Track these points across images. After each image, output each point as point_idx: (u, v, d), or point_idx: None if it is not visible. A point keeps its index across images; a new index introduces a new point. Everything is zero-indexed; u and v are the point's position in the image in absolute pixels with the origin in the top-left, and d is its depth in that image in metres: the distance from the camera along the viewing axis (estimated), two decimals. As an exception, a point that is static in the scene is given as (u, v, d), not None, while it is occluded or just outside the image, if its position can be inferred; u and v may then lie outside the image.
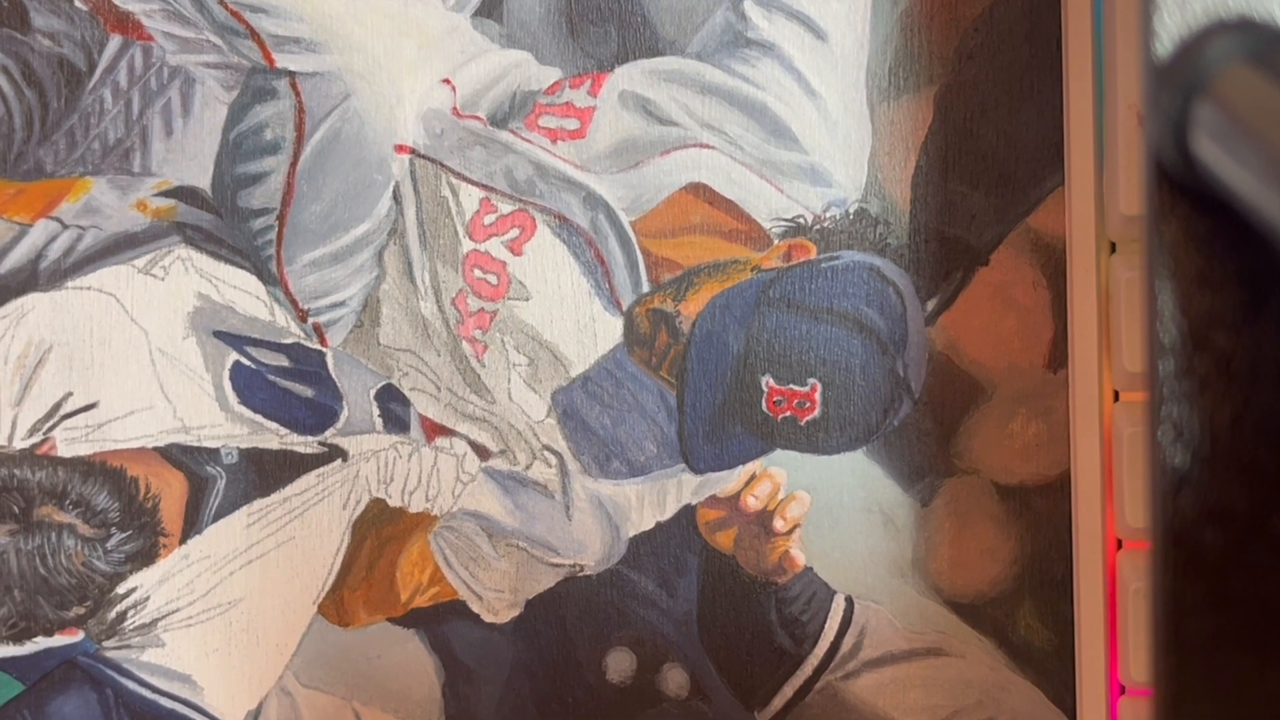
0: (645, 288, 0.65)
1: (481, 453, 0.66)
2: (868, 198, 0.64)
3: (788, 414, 0.65)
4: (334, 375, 0.66)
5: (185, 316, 0.66)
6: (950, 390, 0.65)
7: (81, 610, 0.66)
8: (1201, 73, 0.35)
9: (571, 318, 0.65)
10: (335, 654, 0.66)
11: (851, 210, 0.65)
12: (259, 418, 0.66)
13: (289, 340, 0.66)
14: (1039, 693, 0.65)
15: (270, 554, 0.66)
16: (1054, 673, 0.65)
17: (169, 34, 0.65)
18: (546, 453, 0.66)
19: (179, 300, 0.66)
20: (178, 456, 0.66)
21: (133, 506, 0.66)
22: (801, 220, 0.65)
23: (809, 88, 0.64)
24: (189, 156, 0.65)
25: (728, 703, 0.66)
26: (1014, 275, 0.64)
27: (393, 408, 0.66)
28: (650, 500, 0.66)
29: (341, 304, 0.66)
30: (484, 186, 0.65)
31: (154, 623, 0.66)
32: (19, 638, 0.66)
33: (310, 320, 0.66)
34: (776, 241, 0.65)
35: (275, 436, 0.66)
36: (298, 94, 0.65)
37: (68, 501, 0.65)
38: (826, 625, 0.66)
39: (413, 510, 0.66)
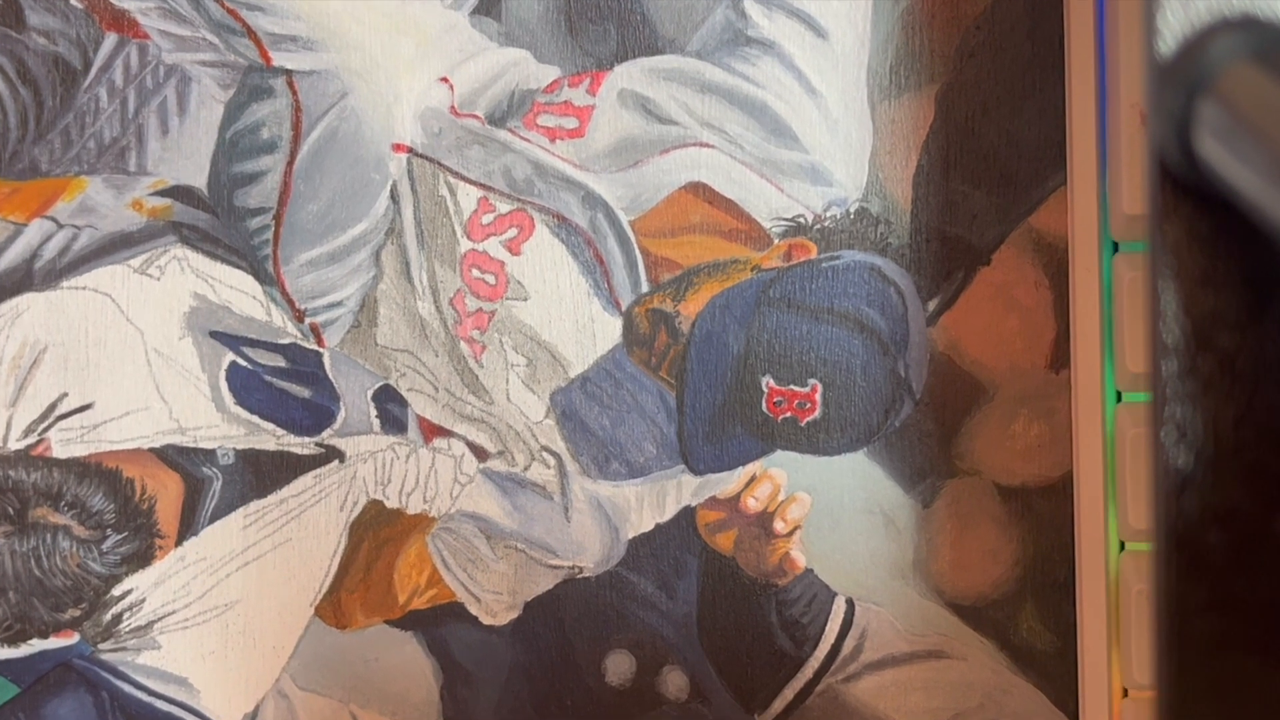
0: (644, 288, 0.65)
1: (480, 454, 0.66)
2: (869, 197, 0.65)
3: (788, 415, 0.65)
4: (331, 376, 0.66)
5: (181, 316, 0.66)
6: (952, 391, 0.65)
7: (77, 612, 0.66)
8: (1205, 71, 0.35)
9: (570, 318, 0.65)
10: (332, 656, 0.66)
11: (852, 209, 0.65)
12: (255, 418, 0.66)
13: (286, 340, 0.66)
14: (1041, 695, 0.65)
15: (267, 556, 0.66)
16: (1056, 675, 0.65)
17: (165, 32, 0.65)
18: (545, 454, 0.66)
19: (175, 300, 0.66)
20: (174, 458, 0.66)
21: (128, 508, 0.66)
22: (802, 219, 0.65)
23: (809, 86, 0.65)
24: (185, 155, 0.65)
25: (728, 705, 0.66)
26: (1016, 275, 0.64)
27: (390, 408, 0.66)
28: (650, 501, 0.66)
29: (339, 304, 0.66)
30: (482, 186, 0.65)
31: (150, 625, 0.66)
32: (14, 640, 0.66)
33: (307, 320, 0.66)
34: (777, 241, 0.65)
35: (272, 437, 0.66)
36: (294, 92, 0.65)
37: (63, 503, 0.65)
38: (827, 627, 0.66)
39: (410, 512, 0.66)
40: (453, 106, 0.65)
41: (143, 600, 0.66)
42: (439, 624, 0.66)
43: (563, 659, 0.66)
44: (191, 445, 0.66)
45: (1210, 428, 0.36)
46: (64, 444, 0.66)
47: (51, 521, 0.65)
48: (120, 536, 0.66)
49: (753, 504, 0.65)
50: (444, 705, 0.66)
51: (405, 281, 0.65)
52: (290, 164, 0.65)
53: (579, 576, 0.66)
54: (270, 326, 0.66)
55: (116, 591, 0.66)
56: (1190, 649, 0.36)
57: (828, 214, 0.65)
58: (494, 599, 0.66)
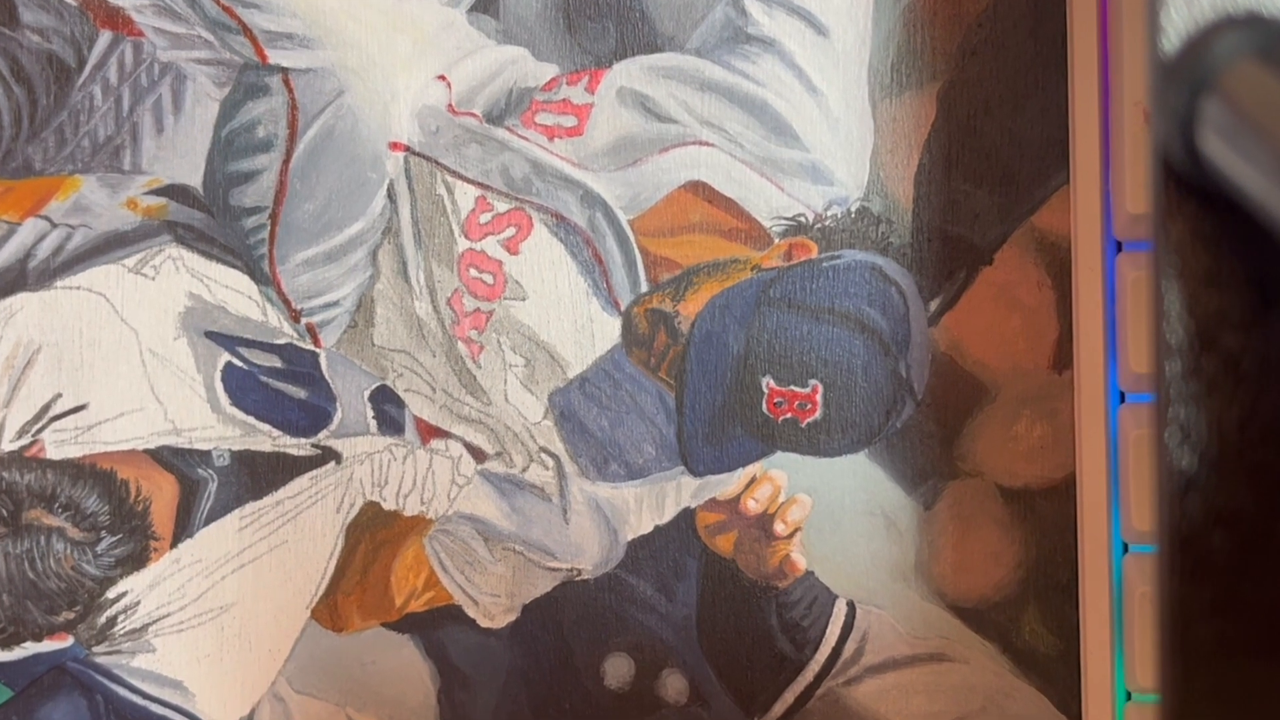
0: (644, 287, 0.65)
1: (477, 455, 0.66)
2: (870, 196, 0.64)
3: (788, 416, 0.65)
4: (327, 376, 0.66)
5: (176, 317, 0.66)
6: (953, 392, 0.65)
7: (71, 615, 0.66)
8: (1209, 69, 0.35)
9: (569, 318, 0.65)
10: (329, 659, 0.66)
11: (853, 209, 0.65)
12: (251, 419, 0.66)
13: (282, 341, 0.66)
14: (1044, 699, 0.65)
15: (263, 558, 0.66)
16: (1059, 678, 0.65)
17: (160, 29, 0.65)
18: (543, 455, 0.66)
19: (170, 300, 0.65)
20: (169, 459, 0.66)
21: (123, 510, 0.66)
22: (802, 219, 0.65)
23: (810, 84, 0.64)
24: (180, 154, 0.65)
25: (728, 709, 0.66)
26: (1018, 275, 0.64)
27: (387, 409, 0.66)
28: (649, 503, 0.66)
29: (335, 304, 0.66)
30: (480, 184, 0.65)
31: (145, 628, 0.66)
32: (7, 643, 0.66)
33: (303, 320, 0.66)
34: (777, 240, 0.65)
35: (268, 438, 0.66)
36: (291, 90, 0.65)
37: (57, 505, 0.65)
38: (828, 630, 0.66)
39: (407, 513, 0.66)
40: (450, 105, 0.65)
41: (137, 603, 0.66)
42: (436, 627, 0.66)
43: (561, 662, 0.66)
44: (187, 446, 0.66)
45: (1214, 429, 0.36)
46: (58, 445, 0.65)
47: (45, 523, 0.65)
48: (115, 539, 0.66)
49: (753, 506, 0.65)
50: (441, 709, 0.66)
51: (402, 281, 0.65)
52: (286, 163, 0.65)
53: (577, 579, 0.66)
54: (266, 327, 0.66)
55: (111, 594, 0.66)
56: (1194, 653, 0.36)
57: (828, 213, 0.65)
58: (492, 601, 0.66)
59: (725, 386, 0.65)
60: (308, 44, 0.65)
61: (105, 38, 0.65)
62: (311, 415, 0.66)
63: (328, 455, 0.66)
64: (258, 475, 0.66)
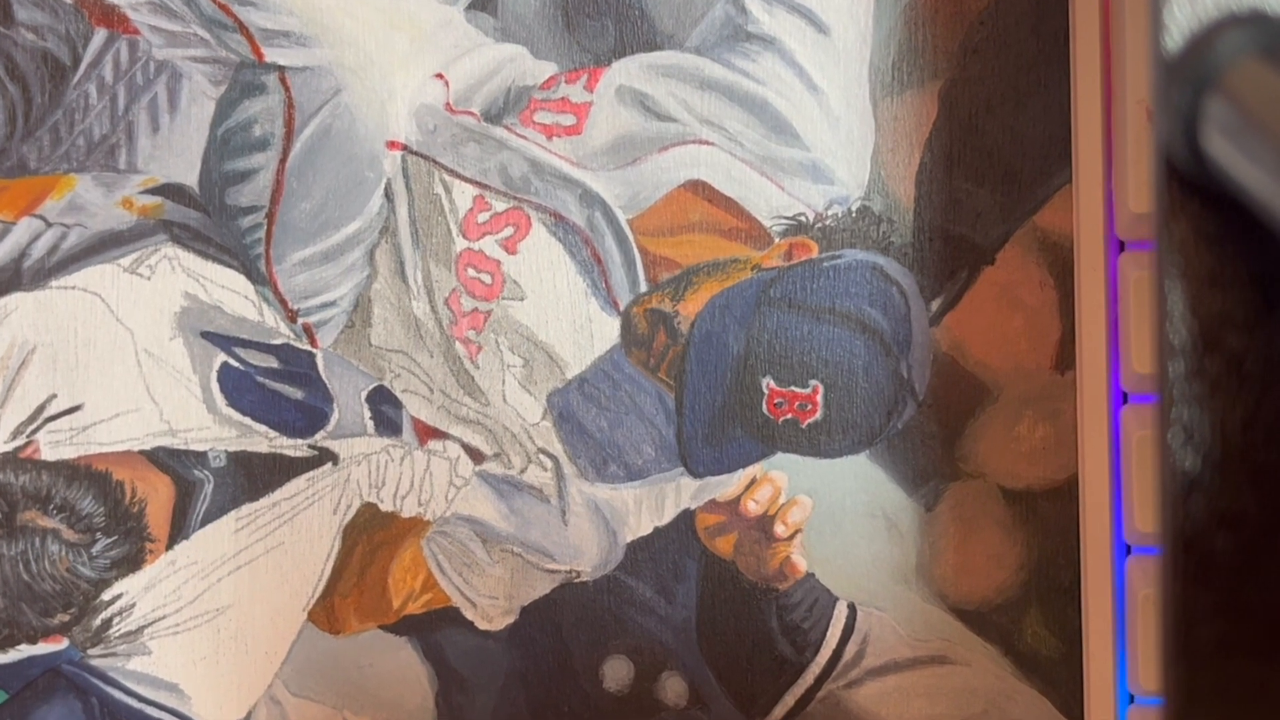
0: (643, 287, 0.65)
1: (475, 456, 0.66)
2: (871, 195, 0.64)
3: (789, 416, 0.65)
4: (324, 377, 0.66)
5: (172, 316, 0.65)
6: (955, 392, 0.65)
7: (66, 617, 0.66)
8: (1212, 67, 0.35)
9: (567, 318, 0.65)
10: (326, 662, 0.66)
11: (854, 208, 0.65)
12: (248, 420, 0.66)
13: (278, 341, 0.66)
14: (1046, 702, 0.65)
15: (259, 560, 0.66)
16: (1061, 681, 0.65)
17: (155, 27, 0.65)
18: (542, 456, 0.66)
19: (166, 300, 0.65)
20: (164, 460, 0.66)
21: (118, 511, 0.66)
22: (803, 218, 0.65)
23: (811, 83, 0.64)
24: (176, 153, 0.65)
25: (727, 712, 0.66)
26: (1020, 275, 0.64)
27: (384, 410, 0.66)
28: (648, 505, 0.66)
29: (332, 304, 0.66)
30: (478, 184, 0.65)
31: (140, 630, 0.66)
32: (2, 645, 0.66)
33: (300, 320, 0.66)
34: (777, 240, 0.65)
35: (264, 439, 0.66)
36: (287, 89, 0.65)
37: (52, 506, 0.65)
38: (829, 633, 0.66)
39: (405, 515, 0.66)
40: (448, 103, 0.65)
41: (133, 605, 0.66)
42: (434, 629, 0.66)
43: (560, 665, 0.66)
44: (182, 447, 0.66)
45: (1218, 430, 0.36)
46: (53, 446, 0.65)
47: (40, 525, 0.65)
48: (110, 540, 0.66)
49: (753, 507, 0.65)
50: (439, 712, 0.66)
51: (400, 281, 0.65)
52: (283, 162, 0.65)
53: (576, 581, 0.66)
54: (262, 327, 0.66)
55: (106, 596, 0.66)
56: (1198, 655, 0.36)
57: (829, 212, 0.65)
58: (490, 603, 0.66)
59: (725, 387, 0.65)
60: (304, 42, 0.65)
61: (100, 35, 0.65)
62: (308, 416, 0.66)
63: (325, 456, 0.66)
64: (254, 476, 0.66)
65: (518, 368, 0.65)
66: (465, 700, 0.66)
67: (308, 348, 0.66)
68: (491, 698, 0.66)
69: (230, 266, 0.65)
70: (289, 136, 0.65)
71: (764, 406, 0.65)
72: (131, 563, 0.66)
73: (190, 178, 0.65)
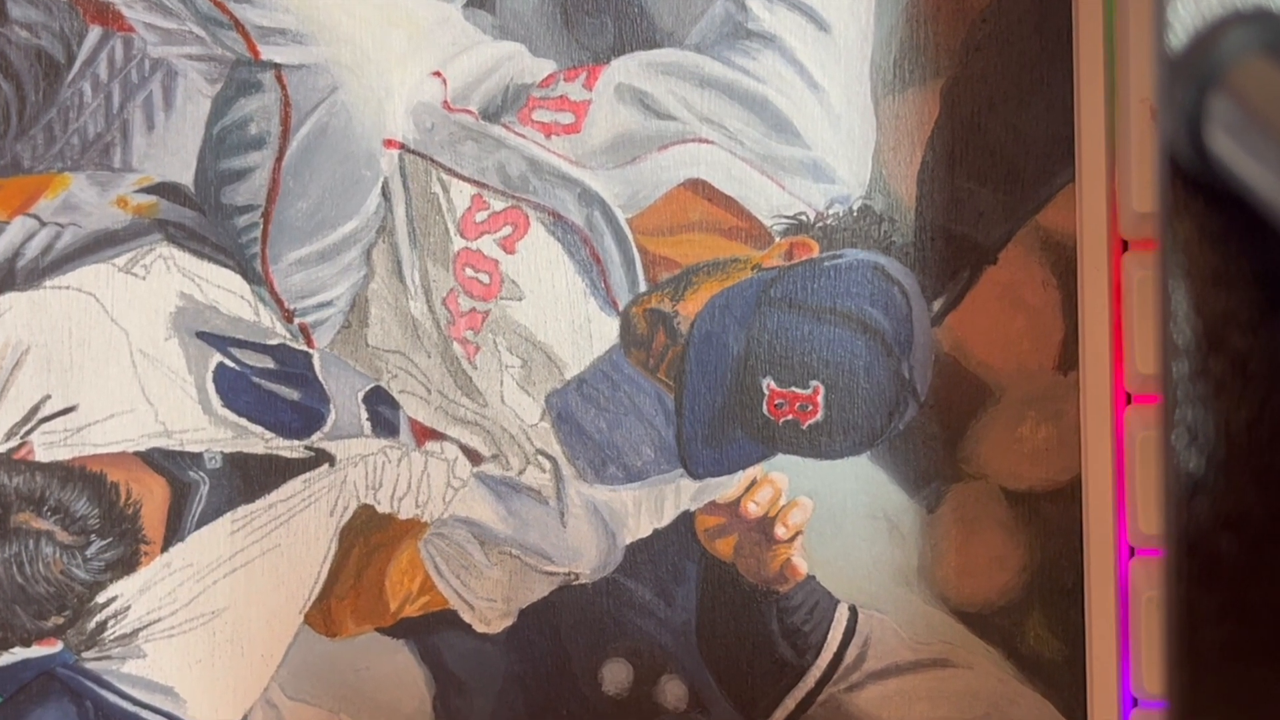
0: (642, 287, 0.65)
1: (473, 457, 0.66)
2: (872, 194, 0.64)
3: (789, 417, 0.65)
4: (321, 377, 0.66)
5: (167, 317, 0.65)
6: (957, 393, 0.65)
7: (60, 620, 0.66)
8: (1216, 65, 0.35)
9: (566, 318, 0.65)
10: (322, 665, 0.66)
11: (855, 207, 0.65)
12: (243, 421, 0.66)
13: (274, 341, 0.66)
14: (1049, 705, 0.65)
15: (255, 562, 0.66)
16: (1064, 684, 0.65)
17: (150, 25, 0.65)
18: (540, 457, 0.66)
19: (161, 300, 0.65)
20: (159, 461, 0.66)
21: (113, 513, 0.66)
22: (803, 217, 0.65)
23: (811, 81, 0.64)
24: (171, 151, 0.65)
25: (727, 715, 0.66)
26: (1023, 274, 0.64)
27: (381, 411, 0.66)
28: (647, 506, 0.66)
29: (329, 304, 0.66)
30: (476, 183, 0.65)
31: (135, 633, 0.66)
32: (-5, 648, 0.66)
33: (296, 320, 0.66)
34: (778, 239, 0.65)
35: (260, 441, 0.66)
36: (283, 87, 0.65)
37: (46, 508, 0.65)
38: (829, 635, 0.66)
39: (402, 517, 0.66)
40: (445, 101, 0.65)
41: (128, 607, 0.66)
42: (431, 632, 0.66)
43: (558, 668, 0.66)
44: (178, 448, 0.66)
45: (1222, 431, 0.36)
46: (47, 447, 0.65)
47: (34, 527, 0.65)
48: (104, 542, 0.66)
49: (753, 509, 0.65)
50: (436, 715, 0.66)
51: (397, 281, 0.65)
52: (279, 160, 0.65)
53: (575, 583, 0.66)
54: (258, 327, 0.66)
55: (101, 599, 0.66)
56: (1202, 658, 0.36)
57: (830, 211, 0.65)
58: (488, 606, 0.66)
59: (725, 388, 0.65)
60: (301, 39, 0.65)
61: (95, 33, 0.65)
62: (305, 417, 0.66)
63: (321, 458, 0.66)
64: (250, 478, 0.66)
65: (516, 368, 0.65)
66: (463, 704, 0.66)
67: (304, 348, 0.66)
68: (489, 701, 0.66)
69: (226, 266, 0.65)
70: (285, 135, 0.65)
71: (764, 407, 0.65)
72: (126, 565, 0.66)
73: (185, 176, 0.65)
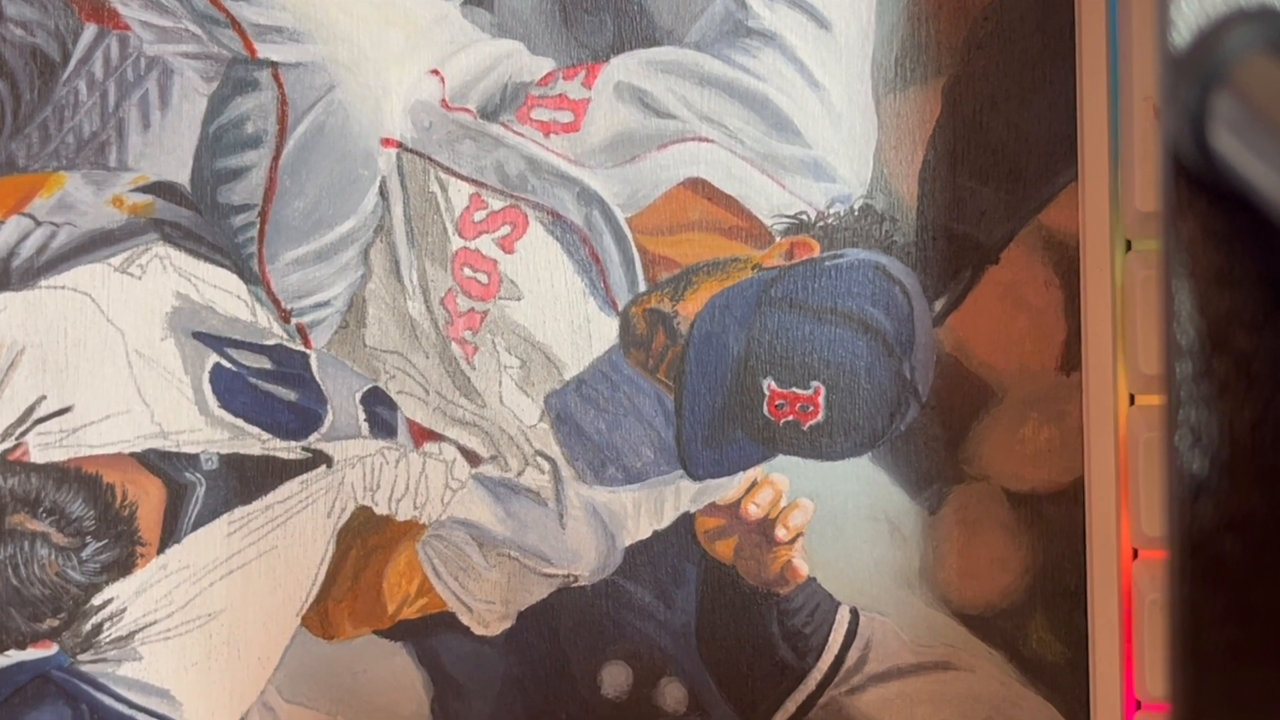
0: (642, 287, 0.65)
1: (471, 459, 0.66)
2: (873, 193, 0.64)
3: (790, 418, 0.65)
4: (318, 378, 0.66)
5: (163, 317, 0.65)
6: (959, 393, 0.65)
7: (55, 622, 0.66)
8: (1220, 63, 0.35)
9: (565, 318, 0.65)
10: (319, 668, 0.66)
11: (856, 206, 0.65)
12: (240, 422, 0.66)
13: (271, 341, 0.66)
14: (1051, 708, 0.65)
15: (252, 564, 0.66)
16: (1067, 687, 0.65)
17: (146, 23, 0.65)
18: (539, 458, 0.66)
19: (157, 300, 0.65)
20: (155, 462, 0.66)
21: (109, 514, 0.66)
22: (804, 217, 0.65)
23: (812, 79, 0.64)
24: (167, 150, 0.65)
25: (727, 719, 0.66)
26: (1025, 274, 0.64)
27: (379, 412, 0.66)
28: (647, 508, 0.66)
29: (326, 304, 0.66)
30: (474, 182, 0.65)
31: (131, 635, 0.66)
32: (-10, 651, 0.66)
33: (293, 321, 0.66)
34: (778, 239, 0.65)
35: (257, 441, 0.66)
36: (280, 85, 0.65)
37: (41, 509, 0.65)
38: (830, 638, 0.66)
39: (400, 518, 0.66)
40: (444, 100, 0.65)
41: (123, 610, 0.66)
42: (429, 634, 0.66)
43: (557, 670, 0.66)
44: (174, 450, 0.66)
45: (1226, 431, 0.36)
46: (42, 448, 0.65)
47: (29, 528, 0.65)
48: (100, 544, 0.66)
49: (753, 510, 0.65)
50: (435, 718, 0.66)
51: (395, 281, 0.65)
52: (276, 159, 0.65)
53: (574, 585, 0.66)
54: (255, 327, 0.66)
55: (96, 601, 0.66)
56: (1206, 660, 0.36)
57: (831, 211, 0.65)
58: (486, 608, 0.66)
59: (725, 388, 0.65)
60: (298, 38, 0.65)
61: (90, 31, 0.65)
62: (302, 418, 0.66)
63: (318, 459, 0.66)
64: (247, 479, 0.66)
65: (515, 369, 0.65)
66: (461, 707, 0.66)
67: (301, 348, 0.66)
68: (488, 704, 0.66)
69: (222, 266, 0.65)
70: (282, 134, 0.65)
71: (765, 408, 0.65)
72: (122, 567, 0.66)
73: (182, 175, 0.65)
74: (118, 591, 0.66)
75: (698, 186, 0.65)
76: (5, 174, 0.65)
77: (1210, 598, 0.36)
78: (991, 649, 0.65)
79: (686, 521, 0.66)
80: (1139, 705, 0.60)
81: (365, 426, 0.66)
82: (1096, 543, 0.62)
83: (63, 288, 0.65)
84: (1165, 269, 0.37)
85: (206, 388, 0.66)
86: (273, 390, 0.66)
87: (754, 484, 0.65)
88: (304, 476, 0.66)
